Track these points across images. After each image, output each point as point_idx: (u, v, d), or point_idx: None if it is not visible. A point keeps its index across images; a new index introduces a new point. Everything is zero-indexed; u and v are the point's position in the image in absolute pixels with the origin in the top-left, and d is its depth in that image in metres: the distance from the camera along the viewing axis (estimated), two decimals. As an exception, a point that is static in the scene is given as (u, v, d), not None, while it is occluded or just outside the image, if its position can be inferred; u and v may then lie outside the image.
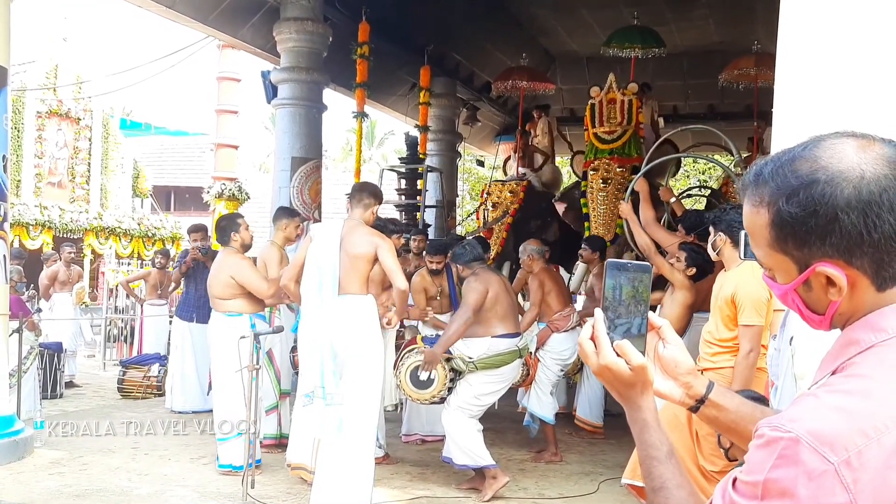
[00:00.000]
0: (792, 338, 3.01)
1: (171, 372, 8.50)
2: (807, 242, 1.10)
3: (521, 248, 7.00)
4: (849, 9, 3.06)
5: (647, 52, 9.48)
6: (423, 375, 5.60)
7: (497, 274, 6.04)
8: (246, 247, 6.18)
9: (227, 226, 6.16)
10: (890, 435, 0.97)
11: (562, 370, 6.91)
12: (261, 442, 6.09)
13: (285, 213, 6.75)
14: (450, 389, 5.62)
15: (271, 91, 9.91)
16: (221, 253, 6.23)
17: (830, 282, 1.11)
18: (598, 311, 1.28)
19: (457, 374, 5.62)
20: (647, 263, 1.31)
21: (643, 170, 6.44)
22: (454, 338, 5.53)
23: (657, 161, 6.97)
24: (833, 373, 1.10)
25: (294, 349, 6.32)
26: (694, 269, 5.18)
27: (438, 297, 7.14)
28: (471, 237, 9.99)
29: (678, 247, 5.40)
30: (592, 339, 1.28)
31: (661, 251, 5.74)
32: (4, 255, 6.27)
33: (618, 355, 1.26)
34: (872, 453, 0.96)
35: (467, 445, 5.52)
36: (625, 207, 6.02)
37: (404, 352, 5.84)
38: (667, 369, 1.37)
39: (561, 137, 11.51)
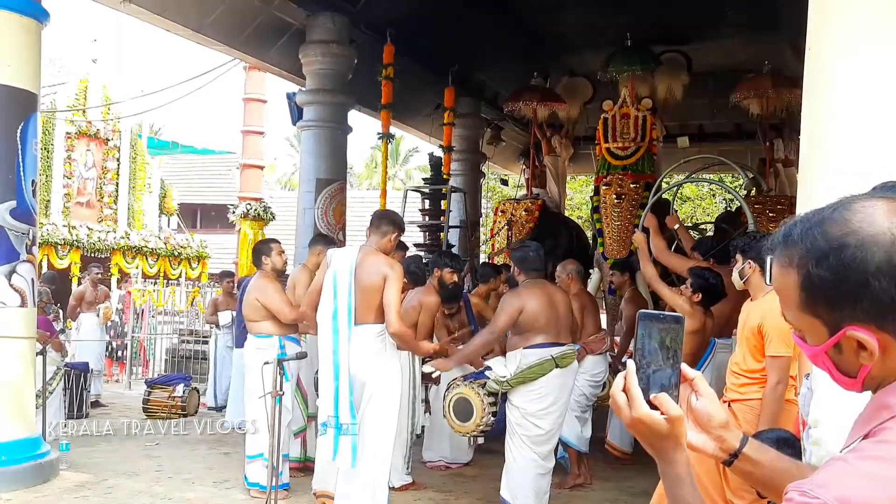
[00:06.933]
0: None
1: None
2: (837, 306, 1.08)
3: (559, 268, 6.87)
4: (879, 28, 3.02)
5: (647, 73, 9.45)
6: (449, 395, 5.47)
7: (546, 287, 5.44)
8: (278, 271, 6.25)
9: (261, 250, 6.30)
10: None
11: (595, 395, 6.80)
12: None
13: (323, 240, 6.82)
14: (493, 415, 5.35)
15: (297, 113, 9.99)
16: (255, 276, 6.34)
17: (861, 346, 1.08)
18: (630, 363, 1.25)
19: (496, 398, 5.34)
20: (680, 315, 1.28)
21: (649, 204, 6.45)
22: (471, 355, 5.41)
23: (669, 188, 6.97)
24: (865, 437, 1.08)
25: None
26: (700, 295, 5.09)
27: (458, 332, 7.02)
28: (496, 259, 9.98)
29: (687, 271, 5.33)
30: (625, 390, 1.24)
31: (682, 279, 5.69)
32: (33, 279, 6.31)
33: (652, 407, 1.22)
34: None
35: (514, 479, 5.23)
36: (639, 237, 6.03)
37: (448, 388, 5.64)
38: (699, 422, 1.33)
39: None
